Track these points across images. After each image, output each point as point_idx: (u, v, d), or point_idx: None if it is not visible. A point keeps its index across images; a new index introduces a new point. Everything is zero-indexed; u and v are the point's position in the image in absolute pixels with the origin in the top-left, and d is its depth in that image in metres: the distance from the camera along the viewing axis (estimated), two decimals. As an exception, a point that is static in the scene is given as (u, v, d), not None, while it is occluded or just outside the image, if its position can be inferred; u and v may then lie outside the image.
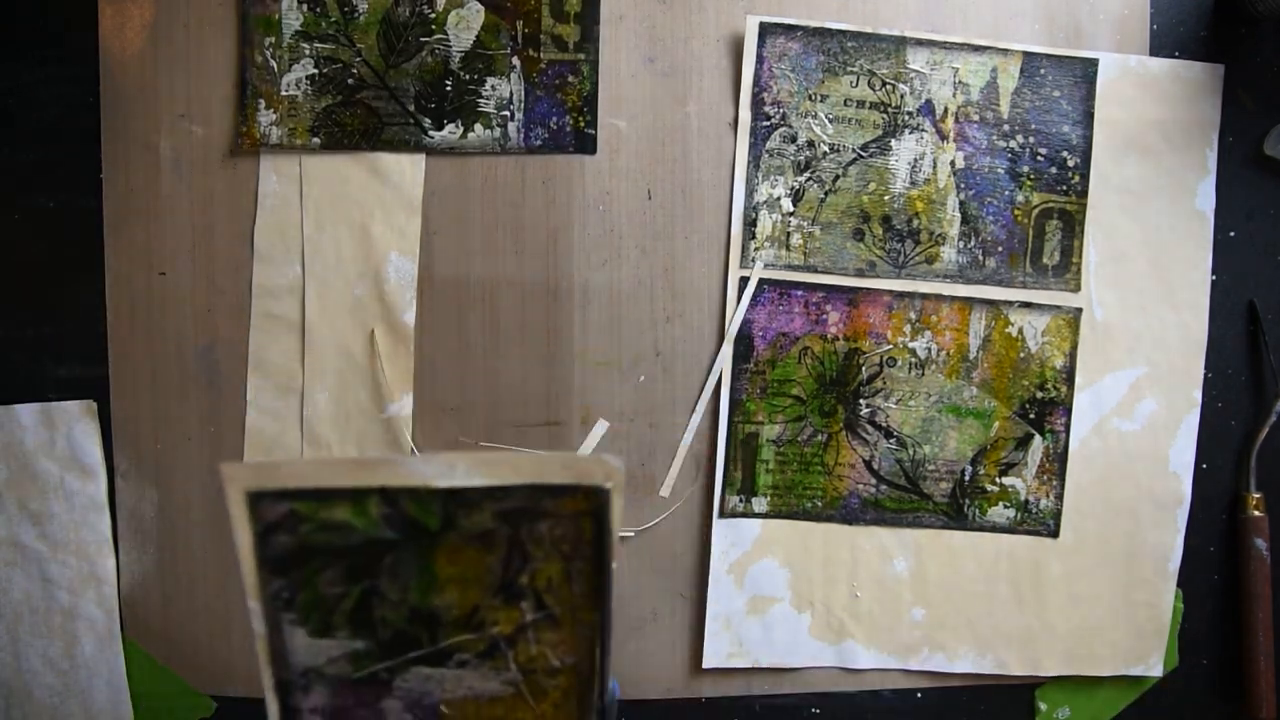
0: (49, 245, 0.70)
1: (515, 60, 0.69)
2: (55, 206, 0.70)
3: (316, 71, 0.69)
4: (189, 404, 0.70)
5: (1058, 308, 0.71)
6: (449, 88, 0.69)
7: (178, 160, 0.69)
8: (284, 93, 0.69)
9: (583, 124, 0.69)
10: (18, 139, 0.70)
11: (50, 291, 0.70)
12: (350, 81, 0.69)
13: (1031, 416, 0.71)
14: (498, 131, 0.69)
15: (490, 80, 0.69)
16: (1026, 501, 0.71)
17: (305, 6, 0.68)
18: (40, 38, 0.70)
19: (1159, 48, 0.72)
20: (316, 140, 0.69)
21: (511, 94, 0.69)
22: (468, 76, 0.69)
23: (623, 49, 0.70)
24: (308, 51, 0.69)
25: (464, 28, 0.69)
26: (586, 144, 0.70)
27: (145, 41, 0.69)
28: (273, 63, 0.69)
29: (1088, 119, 0.70)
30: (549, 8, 0.69)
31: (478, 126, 0.69)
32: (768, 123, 0.70)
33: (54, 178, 0.70)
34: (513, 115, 0.69)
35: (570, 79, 0.69)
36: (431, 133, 0.69)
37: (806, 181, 0.70)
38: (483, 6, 0.69)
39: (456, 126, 0.69)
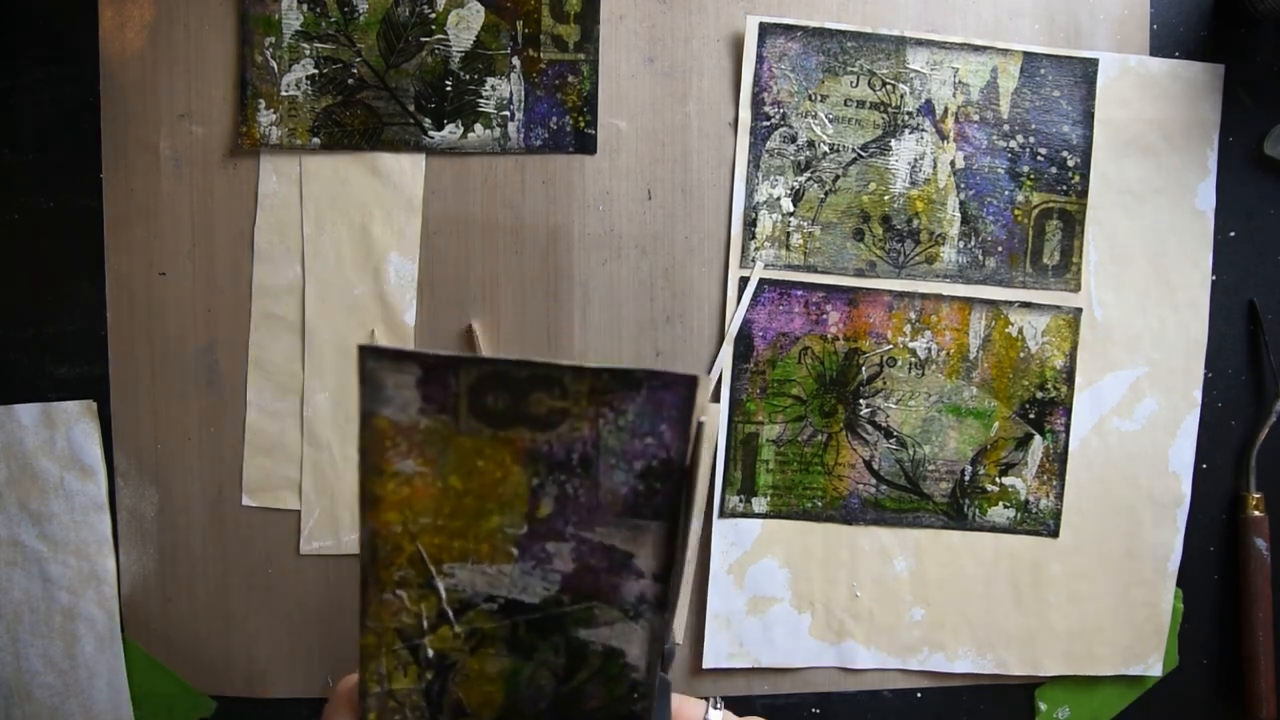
0: (49, 245, 0.70)
1: (515, 60, 0.69)
2: (55, 206, 0.70)
3: (316, 71, 0.69)
4: (189, 404, 0.70)
5: (1058, 308, 0.71)
6: (449, 88, 0.69)
7: (178, 160, 0.69)
8: (284, 93, 0.69)
9: (583, 124, 0.69)
10: (18, 139, 0.69)
11: (50, 291, 0.70)
12: (350, 81, 0.69)
13: (1031, 416, 0.71)
14: (498, 131, 0.69)
15: (490, 80, 0.69)
16: (1026, 501, 0.71)
17: (305, 6, 0.68)
18: (40, 38, 0.69)
19: (1159, 48, 0.72)
20: (316, 140, 0.69)
21: (511, 94, 0.69)
22: (468, 76, 0.69)
23: (623, 49, 0.70)
24: (308, 51, 0.69)
25: (464, 28, 0.69)
26: (587, 144, 0.70)
27: (145, 41, 0.69)
28: (273, 63, 0.69)
29: (1088, 119, 0.70)
30: (549, 8, 0.69)
31: (478, 126, 0.69)
32: (768, 123, 0.69)
33: (54, 178, 0.70)
34: (513, 115, 0.69)
35: (570, 79, 0.69)
36: (431, 133, 0.69)
37: (806, 181, 0.70)
38: (483, 6, 0.68)
39: (456, 126, 0.69)
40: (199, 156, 0.69)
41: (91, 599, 0.70)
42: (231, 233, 0.69)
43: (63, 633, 0.70)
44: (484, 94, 0.69)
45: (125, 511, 0.70)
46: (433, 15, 0.68)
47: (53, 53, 0.70)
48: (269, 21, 0.68)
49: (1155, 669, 0.72)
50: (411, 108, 0.69)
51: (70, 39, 0.69)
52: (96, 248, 0.69)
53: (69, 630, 0.70)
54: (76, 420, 0.70)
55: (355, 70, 0.69)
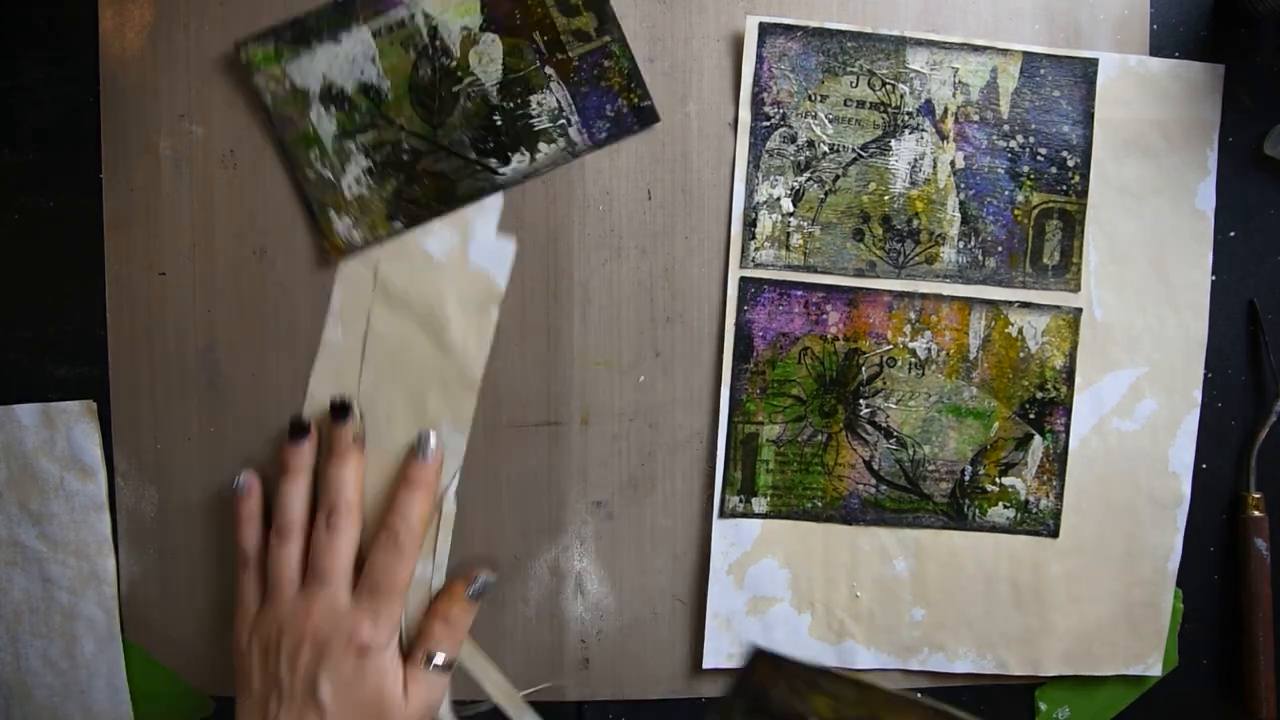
0: (49, 245, 0.70)
1: (549, 70, 0.68)
2: (55, 206, 0.70)
3: (370, 162, 0.68)
4: (189, 404, 0.70)
5: (1057, 308, 0.70)
6: (499, 122, 0.68)
7: (178, 160, 0.69)
8: (349, 194, 0.68)
9: (636, 99, 0.69)
10: (18, 139, 0.69)
11: (50, 291, 0.70)
12: (405, 157, 0.68)
13: (1031, 416, 0.71)
14: (561, 142, 0.69)
15: (534, 98, 0.68)
16: (1026, 501, 0.71)
17: (333, 108, 0.68)
18: (40, 38, 0.69)
19: (1159, 48, 0.71)
20: (398, 223, 0.68)
21: (559, 102, 0.69)
22: (511, 105, 0.68)
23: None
24: (354, 147, 0.68)
25: (488, 61, 0.68)
26: (648, 117, 0.69)
27: (145, 41, 0.69)
28: (325, 172, 0.68)
29: (1088, 119, 0.70)
30: (555, 8, 0.68)
31: (541, 145, 0.69)
32: (768, 123, 0.69)
33: (54, 178, 0.69)
34: (569, 121, 0.69)
35: (606, 64, 0.69)
36: (501, 170, 0.69)
37: (806, 181, 0.70)
38: (495, 34, 0.68)
39: (522, 154, 0.69)
40: (199, 156, 0.69)
41: (91, 599, 0.70)
42: (231, 233, 0.69)
43: (62, 633, 0.70)
44: (533, 113, 0.68)
45: (125, 511, 0.70)
46: (454, 64, 0.68)
47: (53, 53, 0.69)
48: (307, 136, 0.68)
49: (1155, 669, 0.72)
50: (472, 155, 0.68)
51: (70, 39, 0.69)
52: (96, 248, 0.69)
53: (69, 631, 0.70)
54: (76, 420, 0.70)
55: (406, 144, 0.68)
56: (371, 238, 0.68)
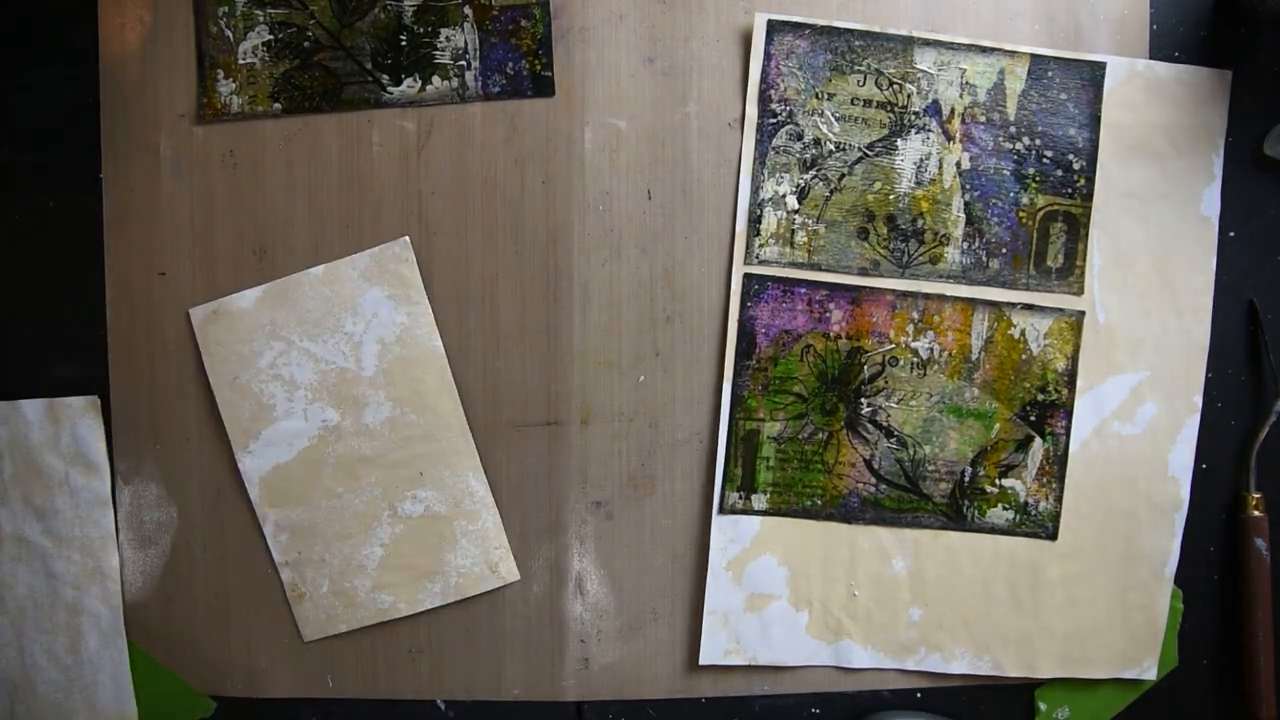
0: (49, 245, 0.68)
1: (467, 9, 0.67)
2: (55, 206, 0.68)
3: (272, 37, 0.67)
4: (189, 404, 0.68)
5: (1060, 310, 0.68)
6: (404, 42, 0.67)
7: (178, 160, 0.67)
8: (241, 61, 0.67)
9: (539, 67, 0.67)
10: (18, 139, 0.68)
11: (50, 291, 0.68)
12: (306, 44, 0.67)
13: (1032, 419, 0.69)
14: (455, 82, 0.67)
15: (444, 31, 0.67)
16: (1026, 503, 0.69)
17: None
18: (40, 38, 0.68)
19: (1159, 48, 0.69)
20: (278, 105, 0.67)
21: (466, 43, 0.67)
22: (421, 30, 0.67)
23: (623, 49, 0.67)
24: (261, 18, 0.67)
25: None
26: (544, 87, 0.67)
27: (145, 41, 0.67)
28: (228, 32, 0.67)
29: (1094, 122, 0.68)
30: (495, -46, 0.67)
31: (435, 78, 0.67)
32: (774, 119, 0.67)
33: (54, 178, 0.68)
34: (469, 64, 0.67)
35: (523, 23, 0.67)
36: (390, 88, 0.67)
37: (812, 179, 0.67)
38: None
39: (414, 80, 0.67)
40: (199, 156, 0.67)
41: (95, 595, 0.68)
42: (231, 233, 0.68)
43: (67, 628, 0.69)
44: (439, 45, 0.67)
45: (125, 512, 0.69)
46: None
47: (53, 53, 0.68)
48: None
49: (1150, 673, 0.70)
50: (369, 65, 0.67)
51: (70, 39, 0.68)
52: (96, 248, 0.68)
53: (73, 626, 0.69)
54: (81, 416, 0.68)
55: (310, 33, 0.67)
56: (249, 110, 0.67)
